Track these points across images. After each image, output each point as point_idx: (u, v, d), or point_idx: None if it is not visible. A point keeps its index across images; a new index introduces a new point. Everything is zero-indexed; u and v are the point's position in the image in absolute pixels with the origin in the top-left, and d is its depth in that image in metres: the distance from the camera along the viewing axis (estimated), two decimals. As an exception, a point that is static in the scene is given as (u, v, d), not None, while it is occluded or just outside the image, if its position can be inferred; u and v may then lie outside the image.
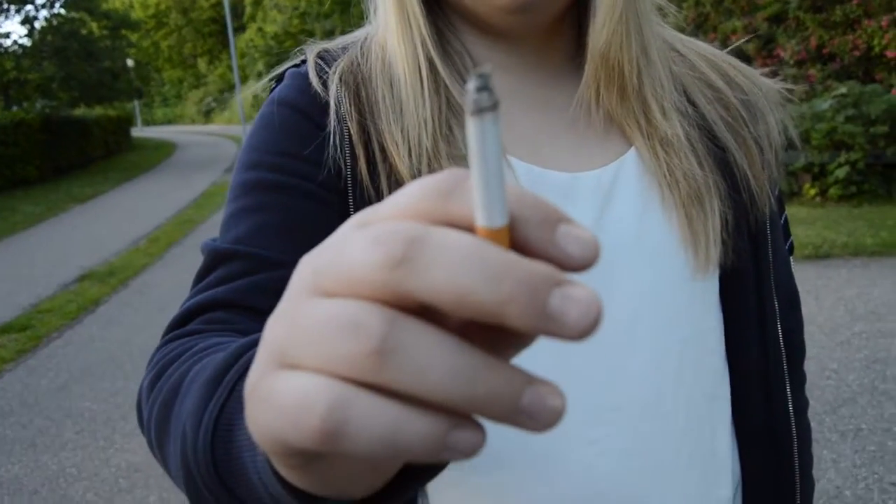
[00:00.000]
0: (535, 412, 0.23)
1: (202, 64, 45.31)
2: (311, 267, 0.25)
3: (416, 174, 0.58)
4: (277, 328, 0.25)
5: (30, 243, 8.40)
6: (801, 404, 0.75)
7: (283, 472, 0.28)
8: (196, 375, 0.44)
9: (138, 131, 29.65)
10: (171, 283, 6.02)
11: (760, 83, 0.70)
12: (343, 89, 0.61)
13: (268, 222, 0.59)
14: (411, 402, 0.22)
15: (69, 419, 3.75)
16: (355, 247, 0.23)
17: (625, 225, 0.63)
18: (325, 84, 0.62)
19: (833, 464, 2.83)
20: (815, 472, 2.96)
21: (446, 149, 0.60)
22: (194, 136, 26.12)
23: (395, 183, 0.59)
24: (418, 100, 0.60)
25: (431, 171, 0.58)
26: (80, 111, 19.94)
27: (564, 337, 0.22)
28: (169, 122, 47.09)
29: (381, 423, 0.22)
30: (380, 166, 0.59)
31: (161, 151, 20.01)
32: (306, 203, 0.59)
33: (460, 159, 0.60)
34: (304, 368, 0.23)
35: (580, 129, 0.65)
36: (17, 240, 8.61)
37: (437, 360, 0.22)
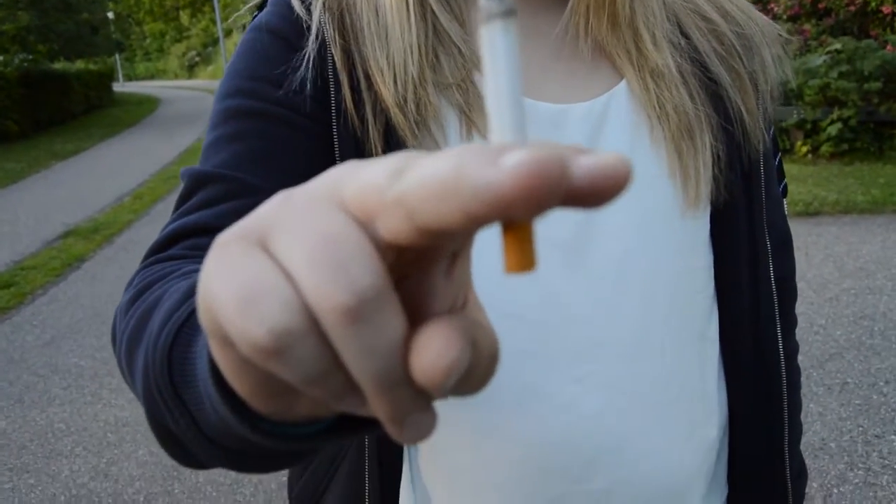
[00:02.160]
0: (410, 434, 0.24)
1: (185, 17, 44.48)
2: (339, 174, 0.24)
3: (401, 102, 0.57)
4: (281, 209, 0.23)
5: (12, 200, 8.29)
6: (792, 347, 0.74)
7: (220, 365, 0.26)
8: (174, 292, 0.43)
9: (120, 86, 29.19)
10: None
11: (756, 17, 0.69)
12: (327, 15, 0.60)
13: (248, 149, 0.58)
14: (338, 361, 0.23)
15: (56, 375, 3.74)
16: (376, 166, 0.22)
17: (617, 150, 0.60)
18: (308, 9, 0.60)
19: (819, 416, 2.88)
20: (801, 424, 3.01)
21: (433, 76, 0.59)
22: (178, 91, 25.78)
23: (380, 111, 0.58)
24: (404, 25, 0.59)
25: (417, 98, 0.57)
26: (60, 65, 19.56)
27: (506, 196, 0.19)
28: (151, 76, 46.39)
29: (311, 370, 0.22)
30: (364, 94, 0.58)
31: (144, 107, 19.73)
32: (287, 130, 0.58)
33: (446, 87, 0.59)
34: (279, 260, 0.22)
35: (569, 59, 0.63)
36: (-2, 196, 8.50)
37: (381, 354, 0.22)
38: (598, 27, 0.62)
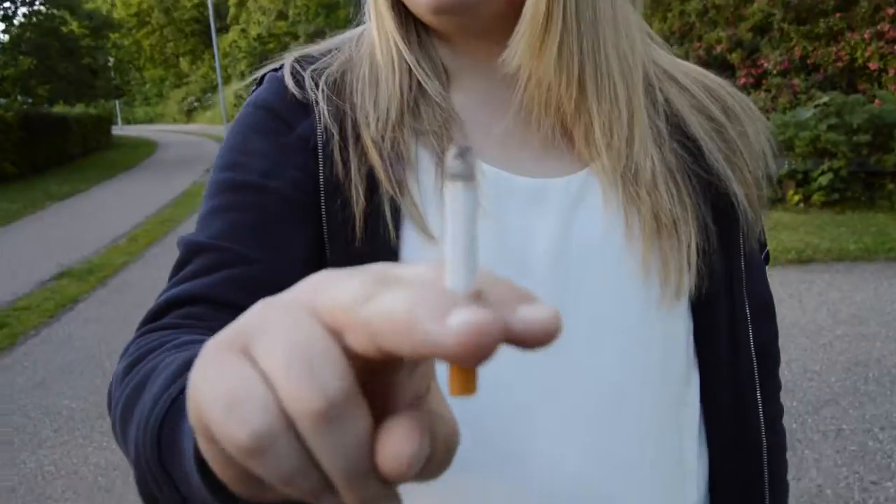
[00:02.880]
0: None
1: (185, 63, 45.04)
2: (316, 284, 0.27)
3: (379, 140, 0.60)
4: (262, 317, 0.27)
5: (7, 240, 8.29)
6: (775, 412, 0.75)
7: (206, 456, 0.28)
8: (169, 364, 0.45)
9: (119, 129, 29.38)
10: (151, 282, 5.93)
11: (755, 115, 0.71)
12: (323, 79, 0.64)
13: (241, 221, 0.60)
14: (312, 458, 0.25)
15: (47, 417, 3.70)
16: (349, 283, 0.25)
17: (592, 233, 0.62)
18: (299, 85, 0.64)
19: (815, 463, 2.86)
20: (798, 472, 3.00)
21: (411, 121, 0.62)
22: (176, 136, 25.94)
23: (363, 156, 0.60)
24: (391, 75, 0.63)
25: (393, 139, 0.61)
26: (59, 108, 19.72)
27: (448, 352, 0.23)
28: (150, 120, 46.75)
29: (288, 469, 0.25)
30: (350, 144, 0.61)
31: (141, 150, 19.85)
32: (277, 203, 0.61)
33: (423, 134, 0.62)
34: (259, 366, 0.25)
35: (544, 141, 0.65)
36: (-7, 237, 8.49)
37: (349, 450, 0.25)
38: (548, 119, 0.63)
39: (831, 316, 4.32)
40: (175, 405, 0.41)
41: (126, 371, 0.50)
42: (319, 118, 0.62)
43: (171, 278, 0.60)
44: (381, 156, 0.60)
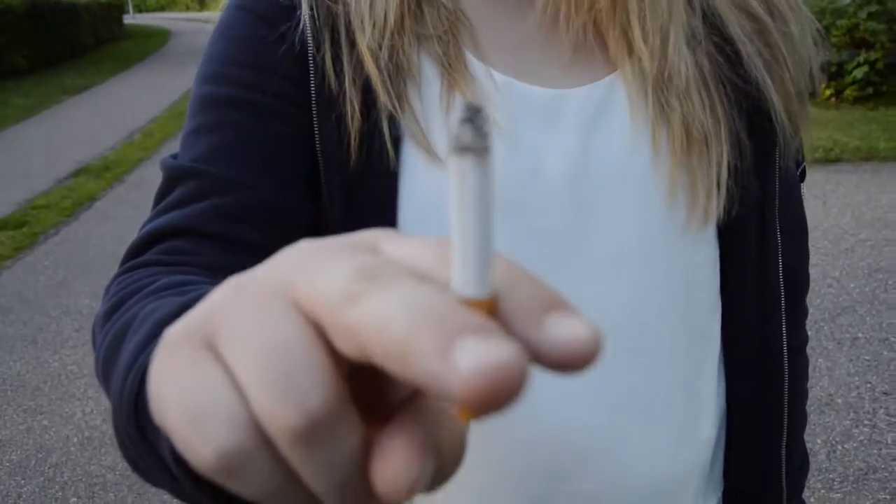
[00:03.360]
0: None
1: (195, -53, 43.62)
2: (295, 263, 0.22)
3: (376, 49, 0.55)
4: (232, 305, 0.22)
5: (23, 137, 8.28)
6: (799, 342, 0.72)
7: (180, 450, 0.24)
8: (147, 316, 0.42)
9: (130, 19, 28.85)
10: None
11: (804, 16, 0.63)
12: None
13: (226, 141, 0.56)
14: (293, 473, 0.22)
15: (68, 316, 3.79)
16: (333, 271, 0.21)
17: (614, 154, 0.57)
18: None
19: (827, 371, 2.88)
20: (809, 380, 2.98)
21: (412, 24, 0.56)
22: (188, 24, 25.48)
23: (359, 65, 0.55)
24: None
25: (392, 46, 0.55)
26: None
27: (455, 398, 0.18)
28: (162, 8, 45.78)
29: (266, 488, 0.22)
30: (344, 48, 0.55)
31: (155, 40, 19.52)
32: (263, 119, 0.57)
33: (427, 38, 0.57)
34: (228, 367, 0.21)
35: (563, 38, 0.58)
36: (10, 133, 8.48)
37: (337, 469, 0.21)
38: (578, 18, 0.57)
39: (855, 219, 4.26)
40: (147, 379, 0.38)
41: (107, 315, 0.47)
42: (304, 22, 0.56)
43: (153, 207, 0.57)
44: (378, 66, 0.54)
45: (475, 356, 0.18)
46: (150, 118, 8.91)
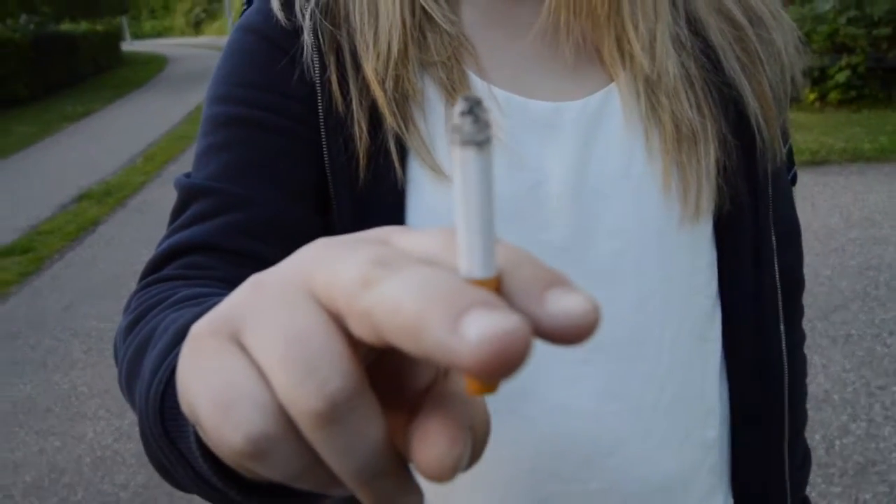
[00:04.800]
0: None
1: (189, -28, 43.82)
2: (311, 258, 0.24)
3: (381, 79, 0.56)
4: (253, 299, 0.24)
5: (26, 164, 8.33)
6: (796, 339, 0.73)
7: (206, 442, 0.26)
8: (169, 325, 0.43)
9: (128, 45, 28.96)
10: (170, 201, 5.69)
11: (784, 20, 0.65)
12: (312, 2, 0.59)
13: (237, 159, 0.58)
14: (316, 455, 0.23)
15: (76, 339, 3.83)
16: (348, 261, 0.22)
17: (611, 160, 0.59)
18: (289, 8, 0.59)
19: (822, 369, 2.90)
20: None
21: (416, 53, 0.57)
22: (185, 49, 25.55)
23: (366, 89, 0.57)
24: (392, 3, 0.57)
25: (397, 76, 0.56)
26: (66, 26, 19.41)
27: (465, 366, 0.19)
28: (158, 34, 45.93)
29: (292, 470, 0.23)
30: (350, 72, 0.57)
31: (152, 66, 19.59)
32: (274, 137, 0.58)
33: (431, 65, 0.58)
34: (253, 357, 0.23)
35: (558, 53, 0.60)
36: (12, 161, 8.53)
37: (359, 453, 0.22)
38: (577, 24, 0.59)
39: (844, 219, 4.31)
40: (174, 379, 0.38)
41: (128, 329, 0.49)
42: (308, 48, 0.57)
43: (170, 224, 0.59)
44: (384, 91, 0.56)
45: (482, 326, 0.19)
46: (149, 142, 8.96)
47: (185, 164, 7.44)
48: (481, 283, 0.21)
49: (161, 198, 6.29)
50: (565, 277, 0.21)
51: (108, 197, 6.55)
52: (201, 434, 0.25)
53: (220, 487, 0.33)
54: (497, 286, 0.21)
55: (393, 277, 0.20)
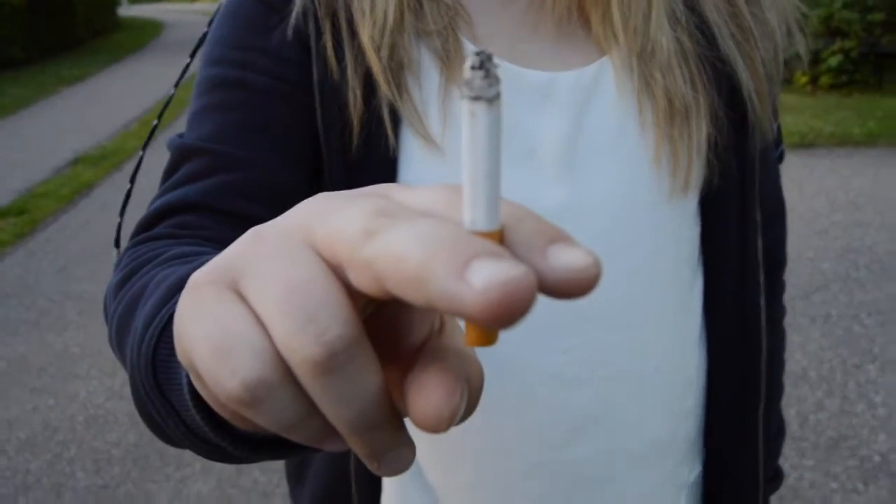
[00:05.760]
0: (388, 469, 0.25)
1: (188, -64, 43.16)
2: (311, 210, 0.24)
3: (377, 47, 0.56)
4: (253, 249, 0.24)
5: (21, 126, 8.29)
6: (777, 315, 0.73)
7: (200, 393, 0.26)
8: (161, 281, 0.43)
9: (125, 10, 28.62)
10: (163, 166, 5.96)
11: (780, 2, 0.65)
12: None
13: (231, 120, 0.58)
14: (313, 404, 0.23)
15: (70, 300, 3.86)
16: (350, 213, 0.22)
17: (603, 131, 0.60)
18: None
19: (801, 346, 2.96)
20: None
21: (412, 21, 0.57)
22: (182, 15, 25.24)
23: (361, 55, 0.56)
24: None
25: (392, 44, 0.56)
26: (62, -13, 19.15)
27: (470, 314, 0.19)
28: (156, -2, 45.34)
29: (286, 419, 0.23)
30: (345, 38, 0.57)
31: (148, 31, 19.39)
32: (269, 99, 0.58)
33: (427, 34, 0.58)
34: (251, 306, 0.23)
35: (554, 25, 0.61)
36: (7, 123, 8.48)
37: (355, 402, 0.23)
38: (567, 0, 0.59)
39: (829, 202, 4.35)
40: (166, 332, 0.39)
41: (119, 285, 0.49)
42: (304, 11, 0.57)
43: (162, 183, 0.59)
44: (379, 58, 0.56)
45: (489, 274, 0.19)
46: (145, 108, 8.91)
47: (180, 130, 7.38)
48: (485, 234, 0.21)
49: (155, 163, 6.02)
50: (567, 233, 0.21)
51: (102, 161, 6.53)
52: (196, 383, 0.25)
53: (211, 439, 0.33)
54: (500, 239, 0.21)
55: (396, 227, 0.20)
